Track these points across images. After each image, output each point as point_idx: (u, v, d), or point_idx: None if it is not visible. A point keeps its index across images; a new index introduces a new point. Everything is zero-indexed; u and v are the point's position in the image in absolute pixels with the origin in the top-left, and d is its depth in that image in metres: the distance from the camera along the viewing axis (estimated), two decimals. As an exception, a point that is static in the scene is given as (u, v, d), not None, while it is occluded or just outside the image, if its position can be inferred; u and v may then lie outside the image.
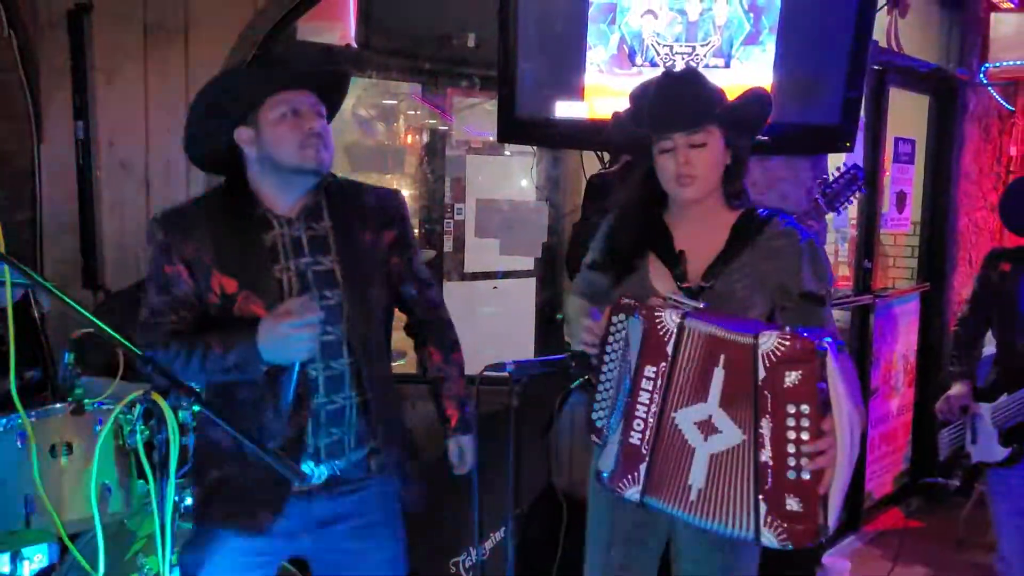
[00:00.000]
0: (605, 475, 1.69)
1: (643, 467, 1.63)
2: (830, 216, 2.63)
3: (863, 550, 3.87)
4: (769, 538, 1.51)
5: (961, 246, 4.63)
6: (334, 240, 1.75)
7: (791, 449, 1.49)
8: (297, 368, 1.68)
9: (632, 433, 1.63)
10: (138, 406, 2.11)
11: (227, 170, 1.78)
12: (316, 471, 1.75)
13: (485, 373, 1.64)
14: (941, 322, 4.55)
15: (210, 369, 1.66)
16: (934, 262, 4.56)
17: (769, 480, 1.50)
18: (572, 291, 2.04)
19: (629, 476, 1.64)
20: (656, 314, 1.61)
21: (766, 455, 1.50)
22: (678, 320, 1.59)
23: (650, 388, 1.61)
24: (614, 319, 1.73)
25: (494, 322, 4.11)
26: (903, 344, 4.35)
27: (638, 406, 1.63)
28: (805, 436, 1.48)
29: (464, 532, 2.80)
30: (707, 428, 1.56)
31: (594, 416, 1.78)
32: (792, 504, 1.49)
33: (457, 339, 1.99)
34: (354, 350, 1.75)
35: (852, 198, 2.54)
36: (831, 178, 2.55)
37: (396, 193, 1.92)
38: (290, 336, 1.60)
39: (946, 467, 2.76)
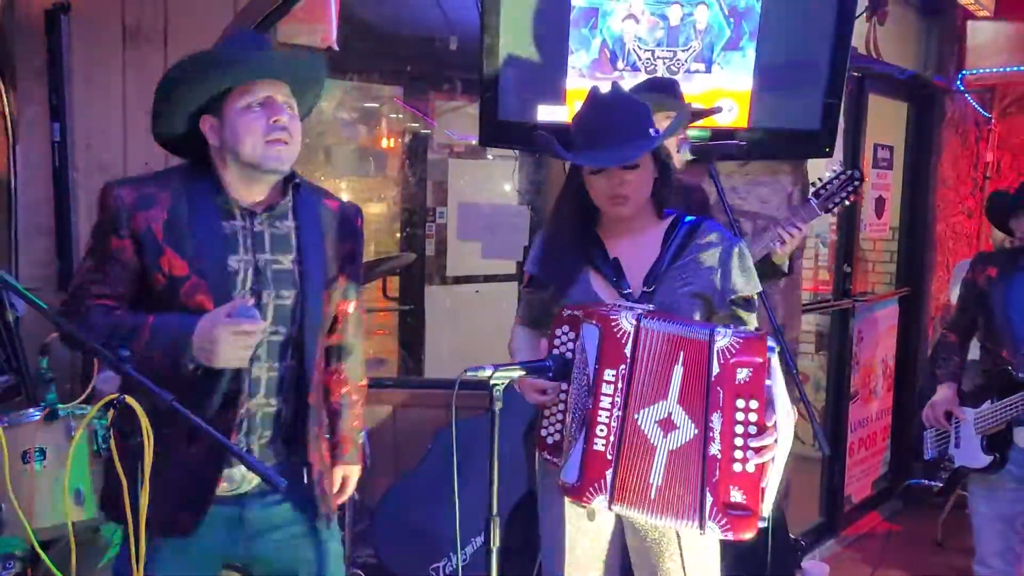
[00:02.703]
0: (570, 486, 1.68)
1: (609, 473, 1.63)
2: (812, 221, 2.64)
3: (842, 554, 3.88)
4: (713, 528, 1.58)
5: (939, 251, 4.68)
6: (297, 241, 1.70)
7: (739, 443, 1.57)
8: (228, 372, 1.59)
9: (595, 440, 1.63)
10: (112, 410, 2.07)
11: (195, 155, 1.71)
12: (244, 479, 1.67)
13: (464, 377, 1.62)
14: (920, 327, 4.59)
15: (134, 353, 1.53)
16: (913, 267, 4.60)
17: (717, 472, 1.58)
18: (516, 321, 2.01)
19: (596, 485, 1.64)
20: (611, 317, 1.63)
21: (715, 448, 1.58)
22: (634, 321, 1.62)
23: (611, 392, 1.63)
24: (558, 331, 1.74)
25: (476, 326, 4.11)
26: (882, 348, 4.38)
27: (600, 412, 1.63)
28: (752, 430, 1.57)
29: (444, 537, 2.79)
30: (667, 425, 1.62)
31: (544, 433, 1.78)
32: (736, 496, 1.57)
33: (363, 368, 1.95)
34: (299, 353, 1.70)
35: (847, 200, 2.54)
36: (825, 179, 2.56)
37: (358, 209, 1.88)
38: (228, 345, 1.52)
39: (928, 469, 2.77)
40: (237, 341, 1.53)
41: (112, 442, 1.58)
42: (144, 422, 1.47)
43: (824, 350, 4.46)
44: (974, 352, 2.75)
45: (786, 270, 2.57)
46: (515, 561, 2.74)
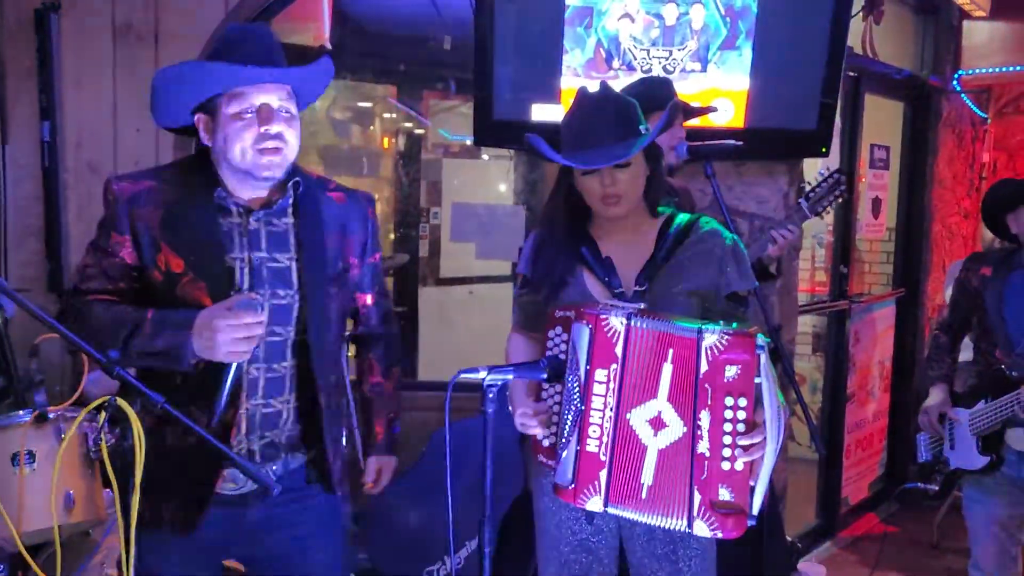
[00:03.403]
0: (564, 488, 1.66)
1: (603, 474, 1.62)
2: (807, 222, 2.63)
3: (839, 555, 3.87)
4: (701, 527, 1.57)
5: (935, 252, 4.67)
6: (295, 239, 1.67)
7: (727, 440, 1.55)
8: (234, 367, 1.56)
9: (588, 441, 1.62)
10: (103, 413, 2.05)
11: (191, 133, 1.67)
12: (246, 481, 1.65)
13: (459, 379, 1.60)
14: (916, 327, 4.58)
15: (135, 349, 1.55)
16: (909, 268, 4.59)
17: (705, 471, 1.56)
18: (512, 329, 1.98)
19: (590, 486, 1.62)
20: (601, 317, 1.62)
21: (703, 446, 1.56)
22: (624, 320, 1.61)
23: (603, 392, 1.61)
24: (551, 333, 1.73)
25: (470, 327, 4.09)
26: (879, 349, 4.37)
27: (592, 412, 1.62)
28: (741, 428, 1.55)
29: (439, 540, 2.77)
30: (657, 424, 1.60)
31: (539, 436, 1.75)
32: (724, 494, 1.55)
33: (401, 357, 1.93)
34: (303, 353, 1.67)
35: (836, 201, 2.54)
36: (814, 182, 2.55)
37: (367, 195, 1.84)
38: (228, 337, 1.49)
39: (924, 472, 2.76)
40: (237, 333, 1.50)
41: (103, 444, 1.57)
42: (136, 425, 1.45)
43: (821, 351, 4.45)
44: (968, 353, 2.74)
45: (774, 272, 2.56)
46: (511, 564, 2.72)
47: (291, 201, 1.68)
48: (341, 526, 1.82)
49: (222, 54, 1.61)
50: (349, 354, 1.92)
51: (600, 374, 1.61)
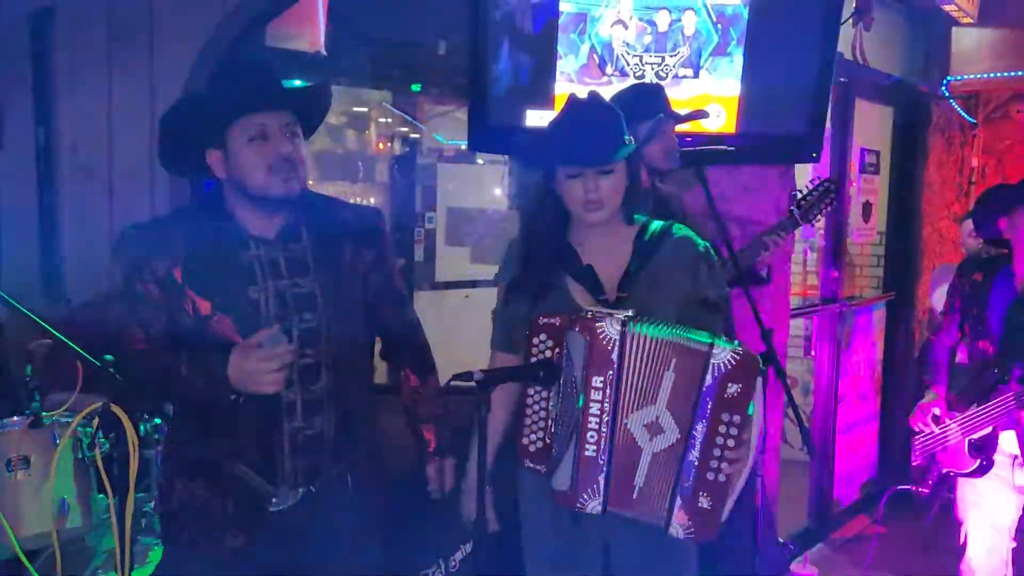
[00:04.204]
0: (563, 493, 1.69)
1: (602, 478, 1.66)
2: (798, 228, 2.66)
3: (831, 557, 3.89)
4: (677, 529, 1.65)
5: (926, 256, 4.71)
6: (313, 261, 1.70)
7: (716, 453, 1.62)
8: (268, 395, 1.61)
9: (587, 446, 1.65)
10: (97, 418, 2.06)
11: (197, 174, 1.71)
12: (290, 495, 1.70)
13: (452, 383, 1.62)
14: (907, 331, 4.61)
15: (178, 392, 1.62)
16: (899, 271, 4.63)
17: (691, 478, 1.63)
18: (491, 349, 1.97)
19: (589, 490, 1.66)
20: (597, 324, 1.64)
21: (693, 455, 1.63)
22: (619, 328, 1.64)
23: (599, 398, 1.64)
24: (535, 340, 1.74)
25: (465, 331, 4.09)
26: (870, 352, 4.40)
27: (590, 418, 1.65)
28: (731, 444, 1.62)
29: (433, 544, 2.77)
30: (654, 429, 1.65)
31: (526, 441, 1.78)
32: (704, 502, 1.63)
33: (434, 362, 1.95)
34: (334, 372, 1.70)
35: (826, 209, 2.56)
36: (805, 190, 2.57)
37: (376, 210, 1.91)
38: (259, 370, 1.55)
39: (916, 474, 2.78)
40: (269, 365, 1.55)
41: (97, 451, 1.59)
42: (130, 431, 1.48)
43: (812, 354, 4.48)
44: (961, 357, 2.76)
45: (766, 276, 2.58)
46: (504, 566, 2.73)
47: (303, 225, 1.71)
48: (374, 527, 1.85)
49: (225, 86, 1.67)
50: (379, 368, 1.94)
51: (596, 380, 1.64)
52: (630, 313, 1.67)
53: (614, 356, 1.63)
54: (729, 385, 1.60)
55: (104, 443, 2.07)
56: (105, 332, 1.69)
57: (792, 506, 3.84)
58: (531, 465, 1.78)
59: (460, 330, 4.08)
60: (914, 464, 2.80)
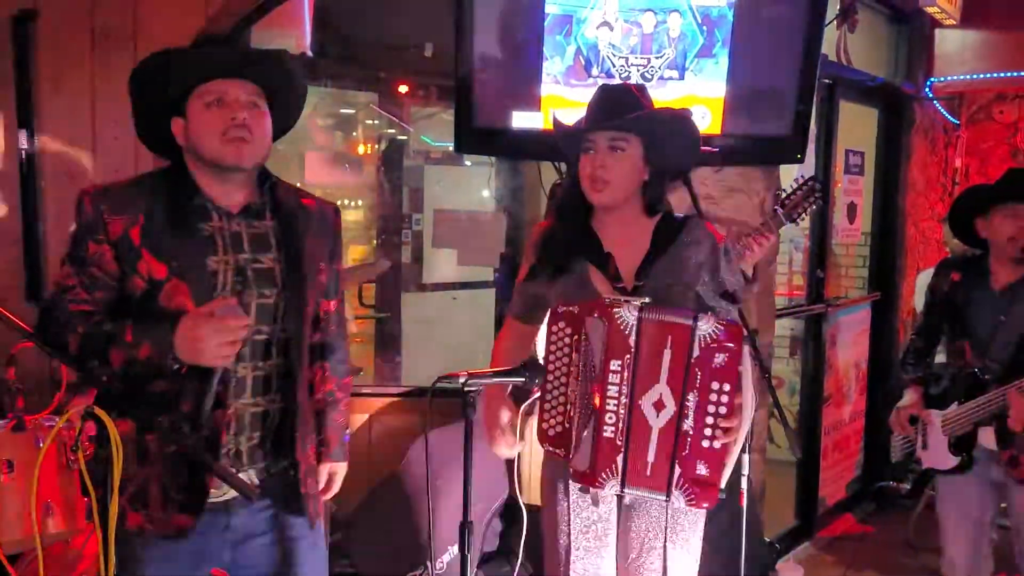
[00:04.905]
0: (582, 473, 1.75)
1: (620, 459, 1.73)
2: (783, 227, 2.67)
3: (817, 556, 3.91)
4: (678, 498, 1.72)
5: (910, 256, 4.74)
6: (276, 239, 1.71)
7: (709, 421, 1.70)
8: (220, 370, 1.59)
9: (605, 428, 1.72)
10: (80, 421, 2.04)
11: (172, 154, 1.71)
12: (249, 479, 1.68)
13: (438, 385, 1.62)
14: (891, 330, 4.65)
15: (117, 359, 1.56)
16: (884, 271, 4.66)
17: (687, 447, 1.70)
18: (507, 315, 2.08)
19: (607, 470, 1.73)
20: (615, 311, 1.71)
21: (688, 424, 1.70)
22: (636, 314, 1.71)
23: (618, 381, 1.72)
24: (554, 328, 1.80)
25: (453, 333, 4.09)
26: (855, 352, 4.43)
27: (608, 401, 1.72)
28: (723, 411, 1.69)
29: (421, 545, 2.77)
30: (659, 406, 1.72)
31: (545, 425, 1.82)
32: (702, 469, 1.70)
33: (349, 367, 1.96)
34: (285, 352, 1.70)
35: (811, 208, 2.58)
36: (789, 189, 2.58)
37: (334, 206, 1.89)
38: (214, 342, 1.52)
39: (897, 471, 2.81)
40: (222, 337, 1.52)
41: (80, 452, 1.57)
42: (113, 432, 1.46)
43: (798, 354, 4.50)
44: (942, 356, 2.79)
45: (751, 277, 2.59)
46: (494, 568, 2.73)
47: (268, 203, 1.72)
48: (323, 530, 1.84)
49: (187, 54, 1.68)
50: None
51: (615, 363, 1.71)
52: (647, 300, 1.74)
53: (631, 341, 1.71)
54: (716, 355, 1.68)
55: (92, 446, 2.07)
56: (48, 293, 1.67)
57: (778, 505, 3.87)
58: (550, 448, 1.84)
59: (448, 331, 4.09)
60: (894, 459, 2.83)
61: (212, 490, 1.66)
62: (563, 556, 1.96)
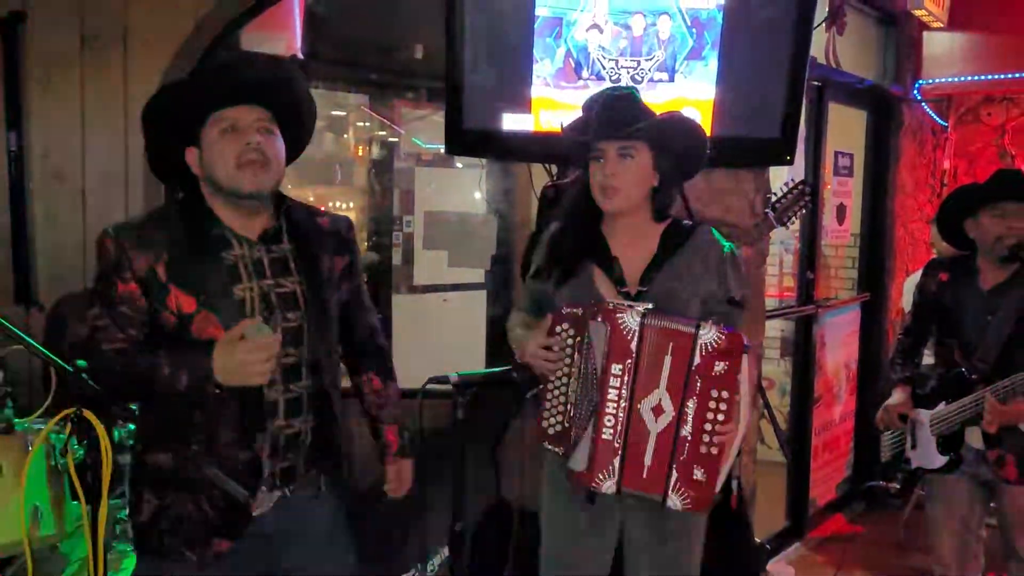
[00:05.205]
0: (579, 473, 1.78)
1: (617, 460, 1.75)
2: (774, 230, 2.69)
3: (807, 556, 3.93)
4: (675, 502, 1.74)
5: (899, 257, 4.77)
6: (295, 262, 1.73)
7: (707, 427, 1.72)
8: (255, 391, 1.63)
9: (604, 430, 1.74)
10: (70, 424, 2.03)
11: (185, 184, 1.72)
12: (268, 497, 1.70)
13: (428, 386, 1.63)
14: (881, 330, 4.67)
15: (159, 391, 1.60)
16: (873, 272, 4.68)
17: (685, 452, 1.74)
18: (516, 306, 2.12)
19: (604, 471, 1.76)
20: (618, 316, 1.74)
21: (687, 430, 1.74)
22: (639, 319, 1.73)
23: (618, 385, 1.74)
24: (558, 328, 1.83)
25: (444, 335, 4.09)
26: (845, 353, 4.45)
27: (608, 403, 1.74)
28: (721, 418, 1.73)
29: (411, 549, 2.77)
30: (658, 411, 1.74)
31: (545, 424, 1.83)
32: (698, 474, 1.74)
33: (393, 367, 1.99)
34: (314, 372, 1.72)
35: (801, 212, 2.59)
36: (780, 192, 2.60)
37: (348, 220, 1.91)
38: (246, 361, 1.55)
39: (886, 471, 2.83)
40: (256, 356, 1.55)
41: (70, 456, 1.57)
42: (102, 436, 1.46)
43: (789, 355, 4.52)
44: (931, 357, 2.80)
45: None
46: (482, 570, 2.73)
47: (285, 226, 1.74)
48: (347, 530, 1.86)
49: (199, 83, 1.70)
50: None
51: (616, 368, 1.74)
52: (649, 306, 1.76)
53: (633, 346, 1.73)
54: (716, 363, 1.71)
55: (78, 449, 2.06)
56: (80, 335, 1.67)
57: (769, 506, 3.88)
58: (549, 447, 1.87)
59: (438, 334, 4.08)
60: (883, 459, 2.84)
61: (256, 507, 1.68)
62: (562, 551, 1.98)
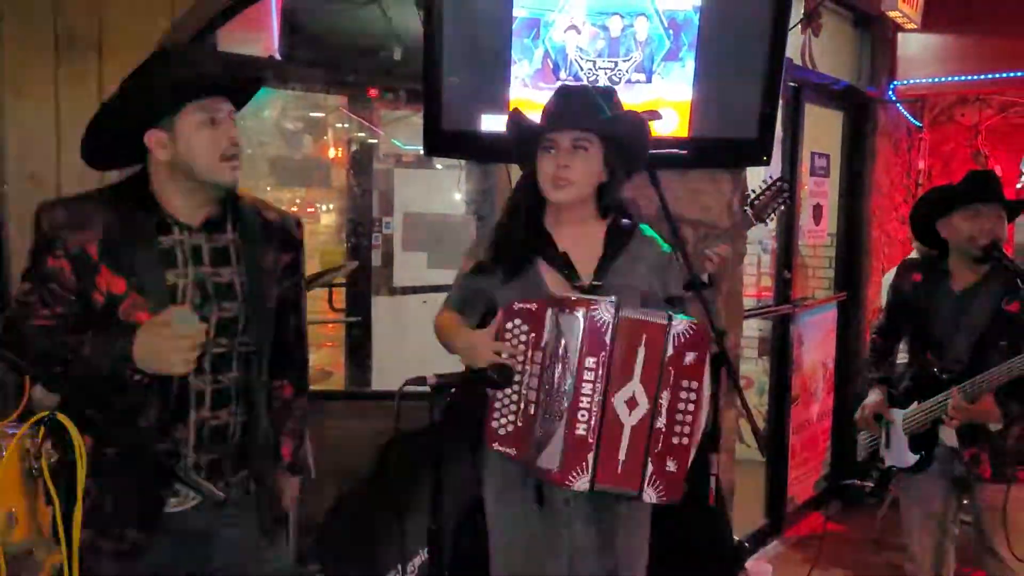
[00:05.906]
0: (551, 472, 1.74)
1: (591, 456, 1.72)
2: (751, 229, 2.70)
3: (785, 554, 3.96)
4: (650, 494, 1.73)
5: (875, 257, 4.82)
6: (237, 253, 1.71)
7: (679, 418, 1.73)
8: (177, 379, 1.60)
9: (578, 425, 1.71)
10: (43, 428, 2.01)
11: (123, 164, 1.71)
12: (188, 492, 1.67)
13: (405, 387, 1.63)
14: (858, 330, 4.71)
15: (82, 372, 1.57)
16: (850, 272, 4.73)
17: (659, 444, 1.74)
18: (445, 305, 2.04)
19: (578, 468, 1.72)
20: (592, 307, 1.72)
21: (661, 422, 1.73)
22: (613, 311, 1.72)
23: (592, 379, 1.72)
24: (509, 324, 1.79)
25: (423, 337, 4.08)
26: (822, 352, 4.49)
27: (582, 398, 1.72)
28: (691, 408, 1.74)
29: (391, 550, 2.76)
30: (632, 404, 1.73)
31: (495, 425, 1.81)
32: (671, 465, 1.74)
33: (308, 382, 1.96)
34: (246, 365, 1.71)
35: (779, 209, 2.60)
36: (758, 190, 2.61)
37: (297, 219, 1.89)
38: (169, 348, 1.52)
39: (862, 470, 2.85)
40: (179, 345, 1.52)
41: (43, 461, 1.56)
42: (77, 440, 1.45)
43: (766, 354, 4.56)
44: (905, 356, 2.83)
45: (706, 281, 2.59)
46: (464, 572, 2.73)
47: (229, 217, 1.72)
48: (285, 537, 1.85)
49: (181, 67, 1.66)
50: None
51: (589, 361, 1.71)
52: (614, 299, 1.75)
53: (607, 338, 1.72)
54: (687, 354, 1.72)
55: (53, 454, 2.04)
56: (10, 310, 1.66)
57: (747, 504, 3.91)
58: (500, 448, 1.83)
59: (417, 335, 4.08)
60: (859, 458, 2.87)
61: (171, 499, 1.66)
62: (511, 560, 1.94)
